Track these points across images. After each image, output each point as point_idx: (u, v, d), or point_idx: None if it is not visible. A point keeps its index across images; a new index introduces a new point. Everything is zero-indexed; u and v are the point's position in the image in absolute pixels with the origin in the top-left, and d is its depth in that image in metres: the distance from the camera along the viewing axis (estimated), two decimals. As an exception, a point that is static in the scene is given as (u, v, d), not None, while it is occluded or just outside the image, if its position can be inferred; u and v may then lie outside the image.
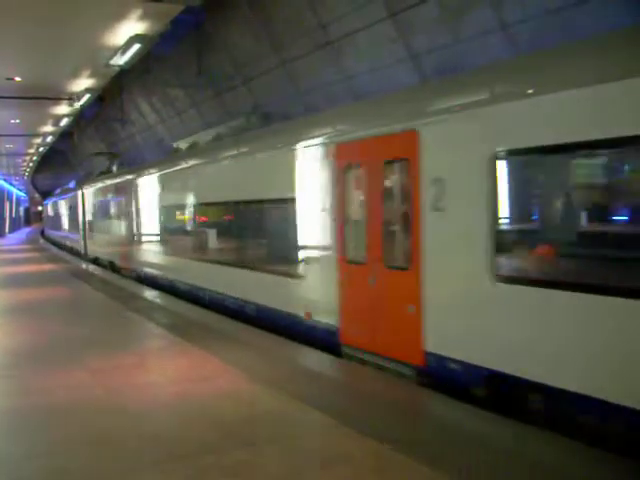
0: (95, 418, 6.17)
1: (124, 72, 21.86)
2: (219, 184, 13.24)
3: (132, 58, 17.38)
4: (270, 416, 6.08)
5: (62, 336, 10.30)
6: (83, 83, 21.97)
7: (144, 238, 19.07)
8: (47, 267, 24.04)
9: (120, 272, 21.39)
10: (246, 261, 11.83)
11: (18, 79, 21.12)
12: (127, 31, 15.46)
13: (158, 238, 17.58)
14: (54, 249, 38.04)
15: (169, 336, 9.95)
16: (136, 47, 16.19)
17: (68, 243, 36.92)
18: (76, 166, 52.33)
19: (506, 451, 5.00)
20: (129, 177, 20.53)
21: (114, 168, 25.44)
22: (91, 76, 21.04)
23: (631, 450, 4.92)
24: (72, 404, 6.60)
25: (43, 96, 24.20)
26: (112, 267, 23.03)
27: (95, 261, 26.64)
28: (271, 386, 6.94)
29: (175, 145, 18.44)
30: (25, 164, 56.51)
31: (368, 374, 7.53)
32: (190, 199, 14.85)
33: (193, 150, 16.19)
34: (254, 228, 12.00)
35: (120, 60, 17.55)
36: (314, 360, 8.42)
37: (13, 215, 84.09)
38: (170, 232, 16.87)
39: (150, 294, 15.49)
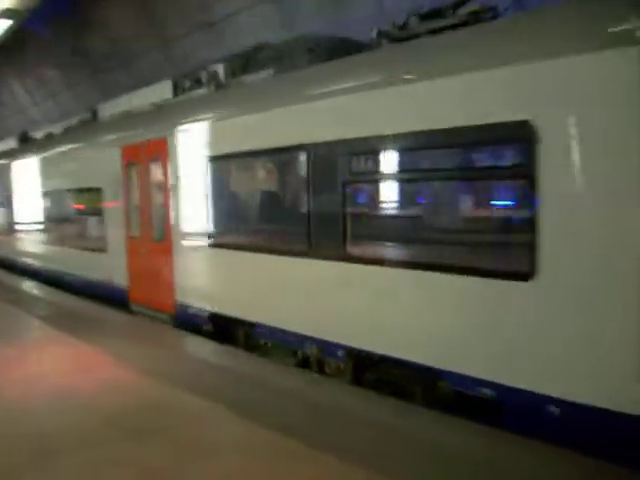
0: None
1: (-5, 51, 20.71)
2: None
3: (2, 35, 16.49)
4: (157, 407, 5.94)
5: None
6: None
7: None
8: None
9: None
10: None
11: None
12: (-3, 5, 14.61)
13: None
14: None
15: (48, 328, 9.52)
16: (6, 23, 15.37)
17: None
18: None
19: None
20: None
21: None
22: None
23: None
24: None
25: None
26: None
27: None
28: (157, 377, 6.75)
29: None
30: None
31: (260, 363, 7.49)
32: None
33: None
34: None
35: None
36: (201, 349, 8.31)
37: None
38: None
39: (26, 285, 14.66)
